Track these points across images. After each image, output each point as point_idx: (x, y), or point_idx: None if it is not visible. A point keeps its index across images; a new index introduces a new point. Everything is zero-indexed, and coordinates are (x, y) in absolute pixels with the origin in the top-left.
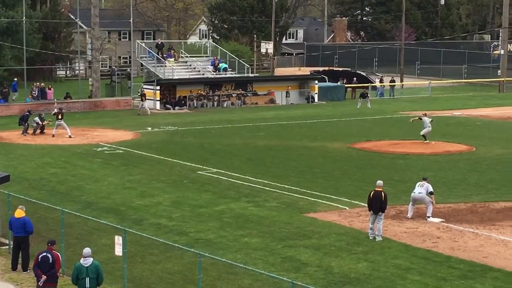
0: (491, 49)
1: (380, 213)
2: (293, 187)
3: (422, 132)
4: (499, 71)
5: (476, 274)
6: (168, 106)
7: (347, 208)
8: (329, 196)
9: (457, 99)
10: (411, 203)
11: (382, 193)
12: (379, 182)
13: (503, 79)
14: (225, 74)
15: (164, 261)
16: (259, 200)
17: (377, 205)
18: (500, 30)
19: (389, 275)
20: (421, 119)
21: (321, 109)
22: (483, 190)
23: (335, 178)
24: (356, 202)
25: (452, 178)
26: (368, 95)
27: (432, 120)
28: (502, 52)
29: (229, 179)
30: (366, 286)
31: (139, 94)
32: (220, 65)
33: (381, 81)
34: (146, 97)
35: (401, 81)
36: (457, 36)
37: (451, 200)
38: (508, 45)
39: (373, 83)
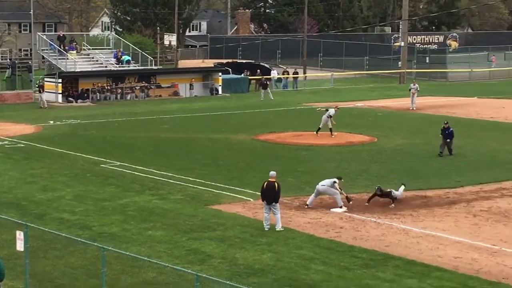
0: (392, 41)
1: (274, 203)
2: (197, 180)
3: (323, 125)
4: (399, 62)
5: (378, 262)
6: (71, 99)
7: (251, 199)
8: (233, 188)
9: (359, 90)
10: (314, 193)
11: (276, 183)
12: (272, 172)
13: (403, 70)
14: (128, 66)
15: (67, 256)
16: (164, 193)
17: (271, 195)
18: (400, 22)
19: (293, 265)
20: (327, 110)
21: (225, 101)
22: (384, 180)
23: (239, 170)
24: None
25: (355, 169)
26: (268, 84)
27: (334, 111)
28: (402, 44)
29: (133, 172)
30: (270, 277)
31: (37, 86)
32: (123, 57)
33: (283, 73)
34: (45, 89)
35: (304, 73)
36: (358, 28)
37: (353, 190)
38: (408, 37)
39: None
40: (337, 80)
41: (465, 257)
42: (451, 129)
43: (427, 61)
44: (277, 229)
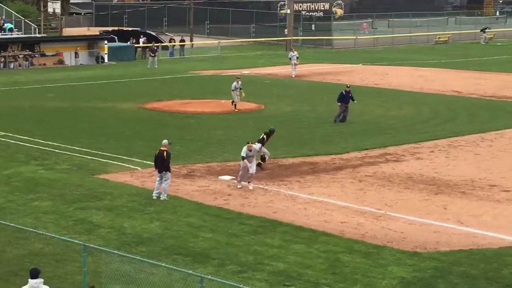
0: (278, 8)
1: (164, 172)
2: (84, 149)
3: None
4: (285, 30)
5: (266, 229)
6: None
7: (139, 168)
8: (121, 157)
9: (246, 58)
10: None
11: (165, 152)
12: (164, 141)
13: (289, 38)
14: (11, 34)
15: None
16: (50, 163)
17: (159, 164)
18: None
19: (182, 233)
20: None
21: (111, 69)
22: (271, 147)
23: (126, 138)
24: (148, 162)
25: (242, 136)
26: (157, 51)
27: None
28: (288, 11)
29: (18, 142)
30: (159, 245)
31: None
32: (6, 25)
33: (170, 41)
34: None
35: (191, 40)
36: None
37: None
38: (294, 4)
39: (163, 42)
40: (224, 47)
41: (351, 221)
42: (350, 94)
43: (313, 28)
44: (161, 199)
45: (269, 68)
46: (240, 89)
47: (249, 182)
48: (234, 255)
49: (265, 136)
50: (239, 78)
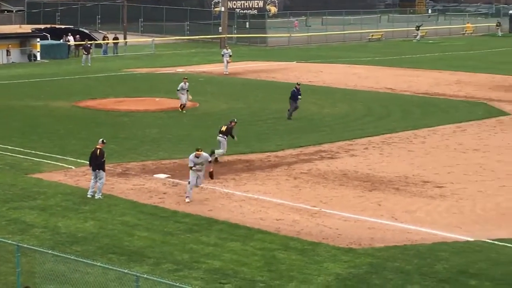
0: (212, 6)
1: (98, 170)
2: (16, 148)
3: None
4: (220, 28)
5: (201, 227)
6: None
7: (73, 167)
8: (54, 156)
9: (180, 55)
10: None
11: (98, 150)
12: (100, 140)
13: (224, 35)
14: None
15: None
16: None
17: (94, 162)
18: None
19: (117, 232)
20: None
21: (44, 67)
22: (207, 144)
23: (60, 137)
24: (82, 161)
25: (177, 134)
26: (91, 49)
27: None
28: (223, 9)
29: None
30: (94, 244)
31: None
32: None
33: (104, 38)
34: None
35: (125, 38)
36: None
37: (176, 156)
38: (228, 2)
39: (96, 40)
40: (158, 45)
41: (287, 219)
42: (299, 91)
43: (247, 26)
44: (96, 197)
45: (203, 66)
46: (187, 90)
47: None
48: (170, 253)
49: (232, 125)
50: (186, 78)
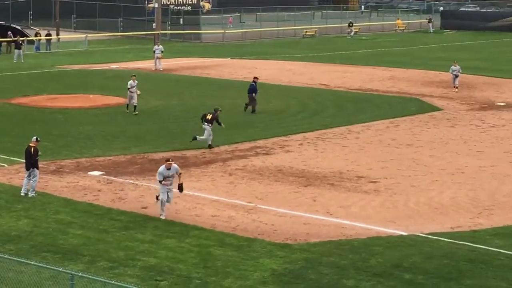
0: (146, 2)
1: (32, 168)
2: None
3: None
4: (154, 24)
5: (137, 224)
6: None
7: (5, 165)
8: None
9: (114, 52)
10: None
11: (32, 148)
12: (33, 138)
13: (158, 32)
14: None
15: None
16: None
17: (27, 160)
18: None
19: (51, 230)
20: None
21: None
22: (141, 141)
23: None
24: (15, 158)
25: (112, 131)
26: (23, 45)
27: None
28: (156, 5)
29: None
30: (28, 243)
31: None
32: None
33: (36, 35)
34: None
35: (57, 34)
36: None
37: (111, 152)
38: None
39: (28, 36)
40: (92, 42)
41: (222, 215)
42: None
43: (181, 22)
44: (29, 195)
45: (137, 63)
46: (136, 88)
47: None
48: (105, 251)
49: (217, 113)
50: (134, 76)
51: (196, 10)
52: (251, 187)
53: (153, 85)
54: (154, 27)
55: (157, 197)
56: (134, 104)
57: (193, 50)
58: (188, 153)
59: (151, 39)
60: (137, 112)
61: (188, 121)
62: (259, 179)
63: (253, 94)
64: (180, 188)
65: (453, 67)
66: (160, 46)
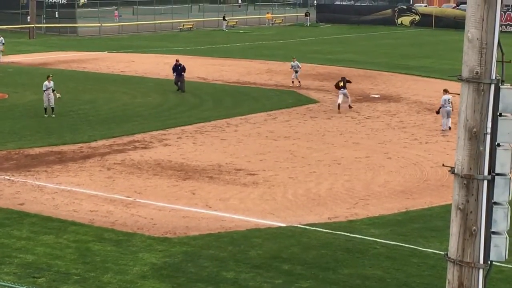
0: None
1: None
2: None
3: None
4: (28, 17)
5: (13, 221)
6: None
7: None
8: None
9: None
10: None
11: None
12: None
13: (32, 25)
14: None
15: None
16: None
17: None
18: None
19: None
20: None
21: None
22: (17, 137)
23: None
24: None
25: None
26: None
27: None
28: None
29: None
30: None
31: None
32: None
33: None
34: None
35: None
36: None
37: None
38: None
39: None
40: None
41: (101, 210)
42: (182, 65)
43: (57, 16)
44: None
45: (12, 56)
46: (53, 90)
47: None
48: None
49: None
50: (50, 76)
51: (72, 3)
52: (129, 182)
53: (29, 79)
54: (29, 20)
55: None
56: (52, 106)
57: (69, 43)
58: (66, 148)
59: (26, 32)
60: (53, 115)
61: (66, 115)
62: (137, 173)
63: (180, 74)
64: None
65: (292, 63)
66: (1, 38)
